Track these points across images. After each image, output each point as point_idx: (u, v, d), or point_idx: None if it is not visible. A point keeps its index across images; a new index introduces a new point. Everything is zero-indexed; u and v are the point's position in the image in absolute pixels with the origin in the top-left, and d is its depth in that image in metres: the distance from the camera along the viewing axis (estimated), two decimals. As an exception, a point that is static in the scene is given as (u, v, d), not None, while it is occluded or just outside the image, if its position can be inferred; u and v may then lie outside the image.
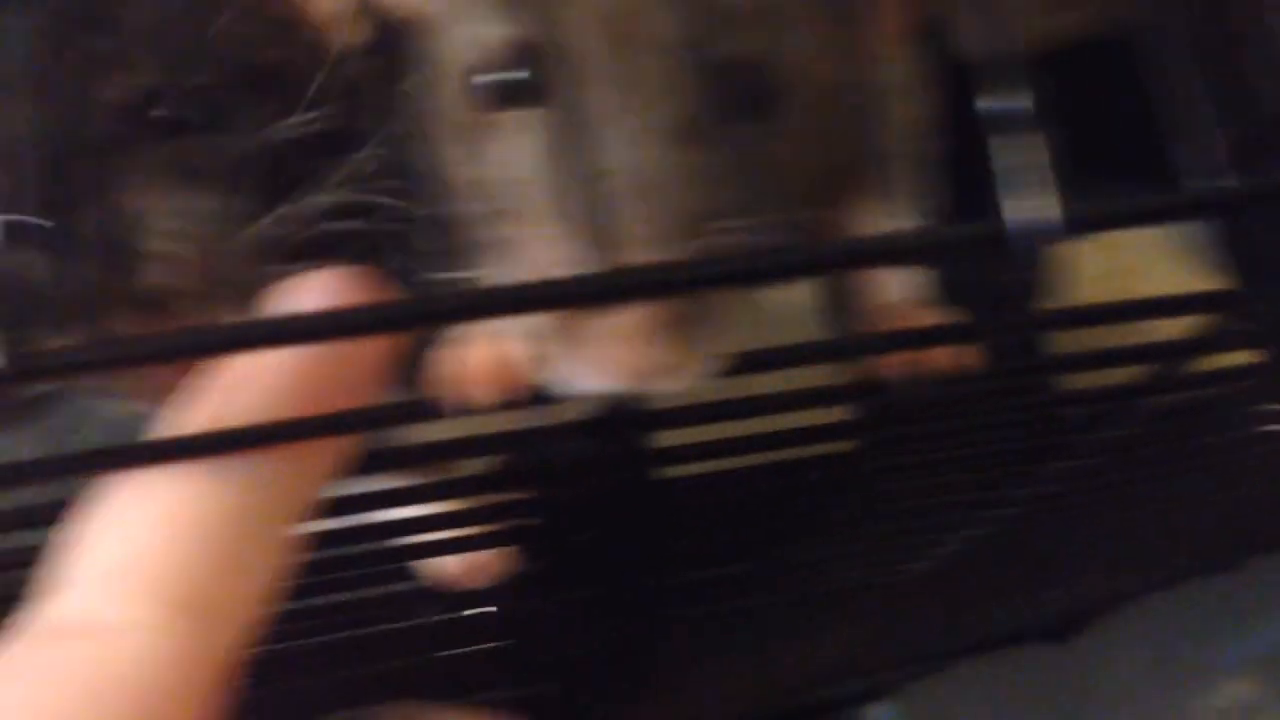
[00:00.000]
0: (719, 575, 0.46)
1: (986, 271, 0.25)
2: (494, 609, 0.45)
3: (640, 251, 0.26)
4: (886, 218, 0.36)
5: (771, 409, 0.31)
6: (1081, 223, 0.24)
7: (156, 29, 0.33)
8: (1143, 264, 0.75)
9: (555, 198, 0.28)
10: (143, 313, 0.32)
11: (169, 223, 0.32)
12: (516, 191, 0.29)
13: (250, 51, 0.34)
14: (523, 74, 0.30)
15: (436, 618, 0.43)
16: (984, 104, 0.24)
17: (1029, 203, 0.24)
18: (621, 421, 0.31)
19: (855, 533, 0.46)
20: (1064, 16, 0.79)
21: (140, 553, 0.23)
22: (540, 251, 0.28)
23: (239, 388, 0.24)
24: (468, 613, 0.44)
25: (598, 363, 0.26)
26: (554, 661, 0.55)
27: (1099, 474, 0.41)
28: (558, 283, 0.24)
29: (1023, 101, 0.24)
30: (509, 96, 0.30)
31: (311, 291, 0.25)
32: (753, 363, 0.27)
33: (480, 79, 0.31)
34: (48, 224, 0.31)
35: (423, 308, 0.23)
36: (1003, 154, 0.24)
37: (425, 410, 0.28)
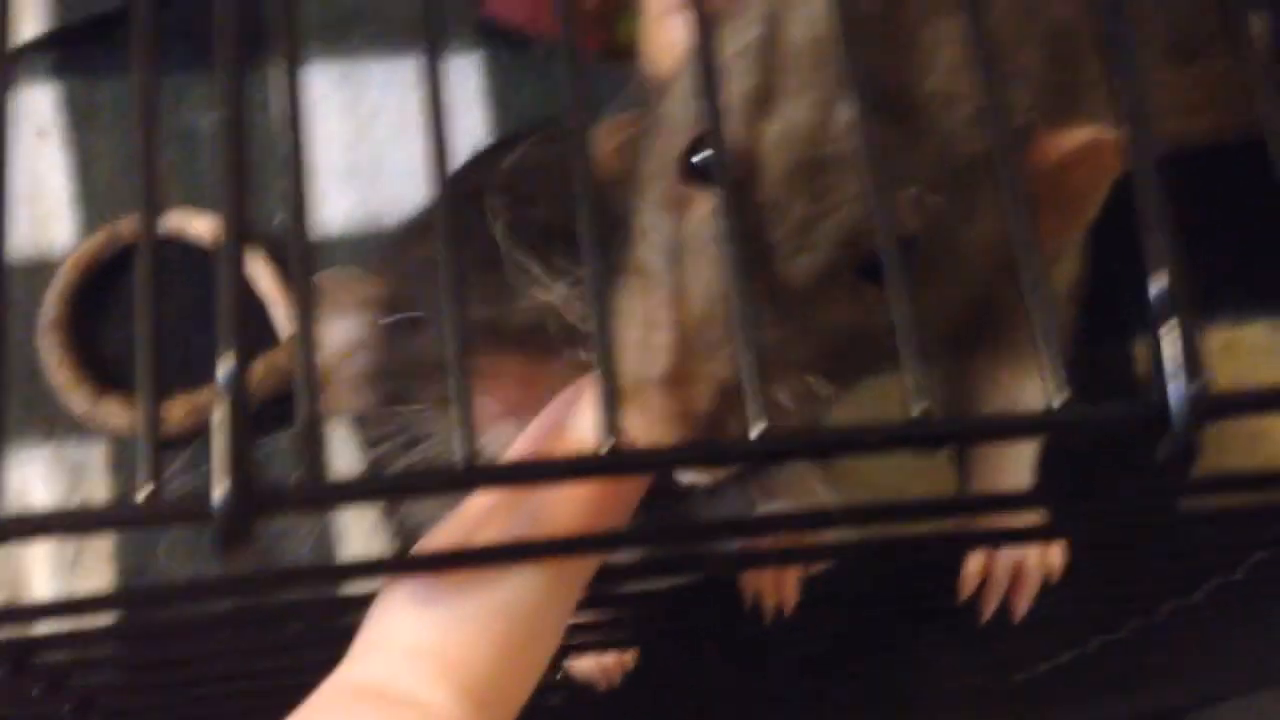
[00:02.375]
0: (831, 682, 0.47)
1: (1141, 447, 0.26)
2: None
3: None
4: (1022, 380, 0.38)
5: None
6: (1242, 404, 0.25)
7: None
8: (1264, 365, 0.74)
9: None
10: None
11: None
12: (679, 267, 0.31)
13: None
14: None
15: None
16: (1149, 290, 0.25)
17: (1184, 384, 0.25)
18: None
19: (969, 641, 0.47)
20: (1197, 120, 0.79)
21: (445, 638, 0.26)
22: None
23: (531, 510, 0.27)
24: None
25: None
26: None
27: (1234, 604, 0.41)
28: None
29: (1178, 282, 0.25)
30: (709, 178, 0.32)
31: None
32: (854, 515, 0.28)
33: (698, 156, 0.33)
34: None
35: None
36: (1162, 338, 0.25)
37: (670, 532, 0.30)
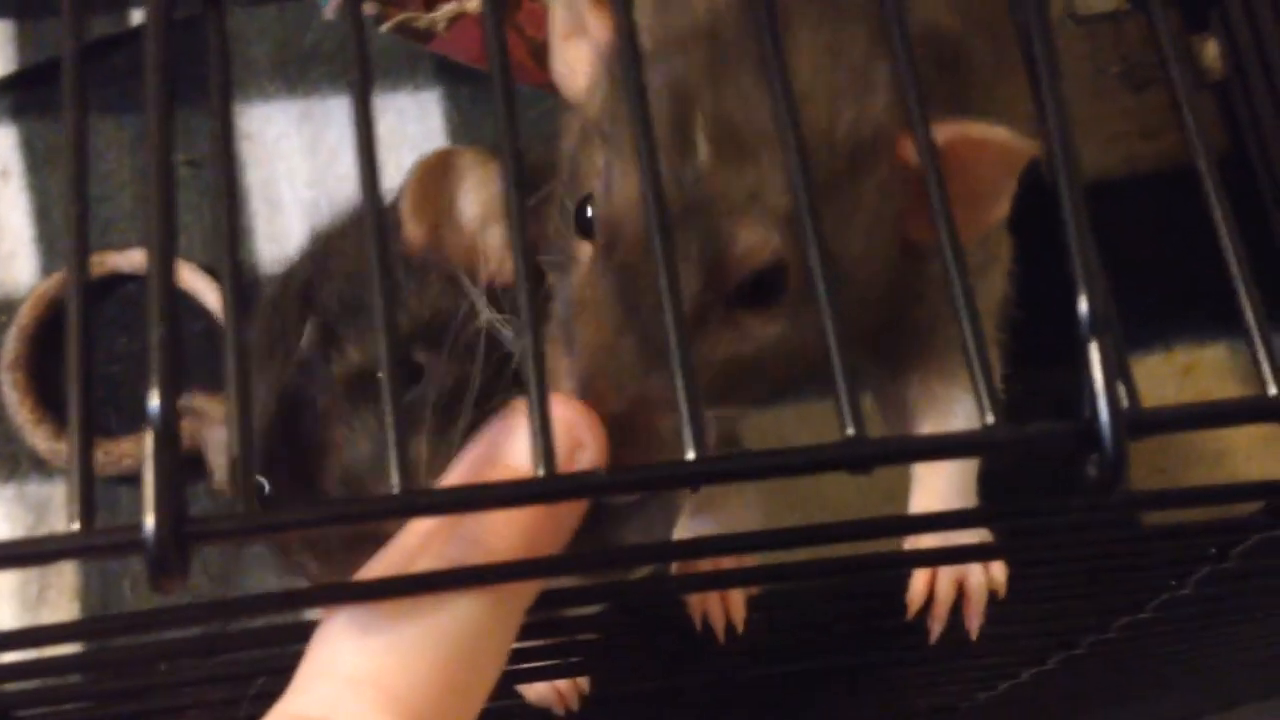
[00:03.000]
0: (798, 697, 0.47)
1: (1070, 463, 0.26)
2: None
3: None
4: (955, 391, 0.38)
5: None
6: (1169, 421, 0.26)
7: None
8: (1221, 388, 0.75)
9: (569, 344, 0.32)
10: None
11: None
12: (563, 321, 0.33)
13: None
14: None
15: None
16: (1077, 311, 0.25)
17: (1110, 403, 0.25)
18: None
19: (932, 660, 0.47)
20: (1146, 146, 0.80)
21: (386, 666, 0.26)
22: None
23: (469, 537, 0.27)
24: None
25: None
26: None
27: (1184, 619, 0.41)
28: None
29: (1102, 304, 0.26)
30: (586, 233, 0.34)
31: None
32: (789, 538, 0.28)
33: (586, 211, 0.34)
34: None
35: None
36: (1089, 358, 0.25)
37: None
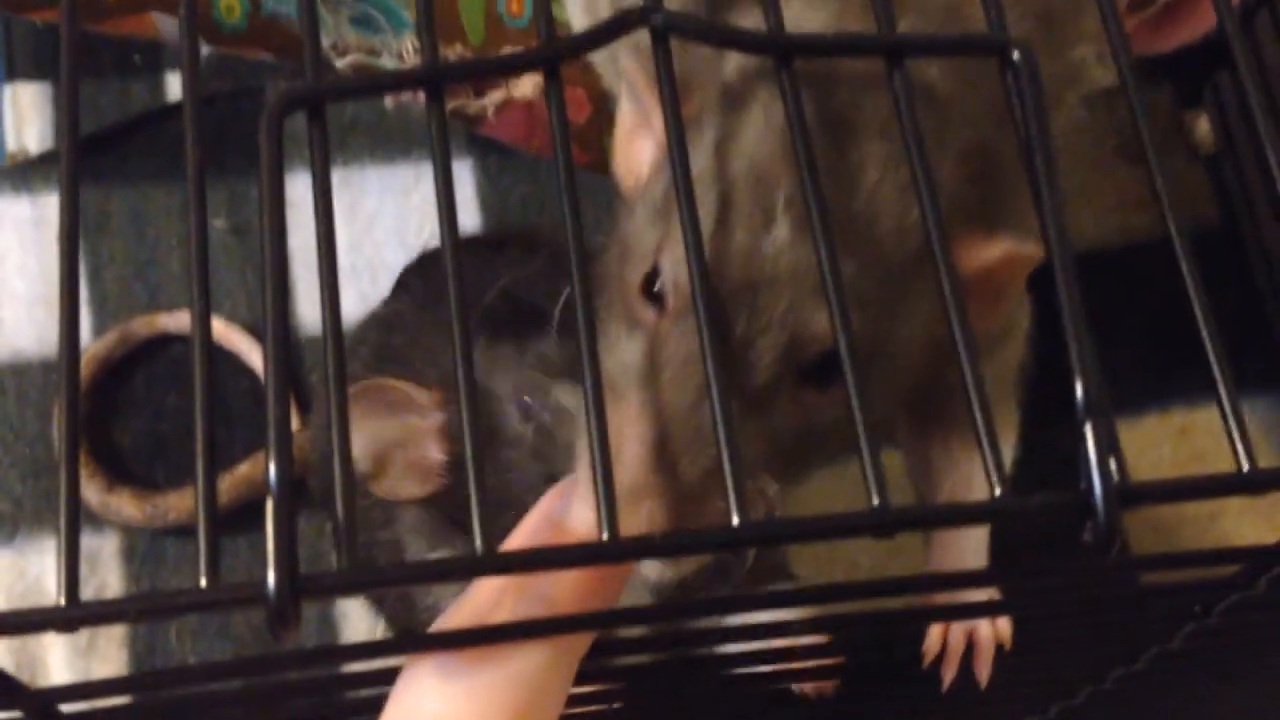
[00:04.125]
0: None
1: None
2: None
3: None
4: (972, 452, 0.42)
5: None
6: (1155, 494, 0.29)
7: None
8: (1215, 448, 0.78)
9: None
10: None
11: None
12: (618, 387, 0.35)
13: None
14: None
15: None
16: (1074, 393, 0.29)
17: (1103, 478, 0.29)
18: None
19: (941, 711, 0.50)
20: (1142, 216, 0.84)
21: (465, 709, 0.29)
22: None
23: (536, 591, 0.31)
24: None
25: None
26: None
27: (1175, 671, 0.45)
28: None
29: (1096, 389, 0.29)
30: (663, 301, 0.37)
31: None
32: (817, 596, 0.32)
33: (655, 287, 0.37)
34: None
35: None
36: (1087, 437, 0.29)
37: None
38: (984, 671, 0.40)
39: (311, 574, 0.27)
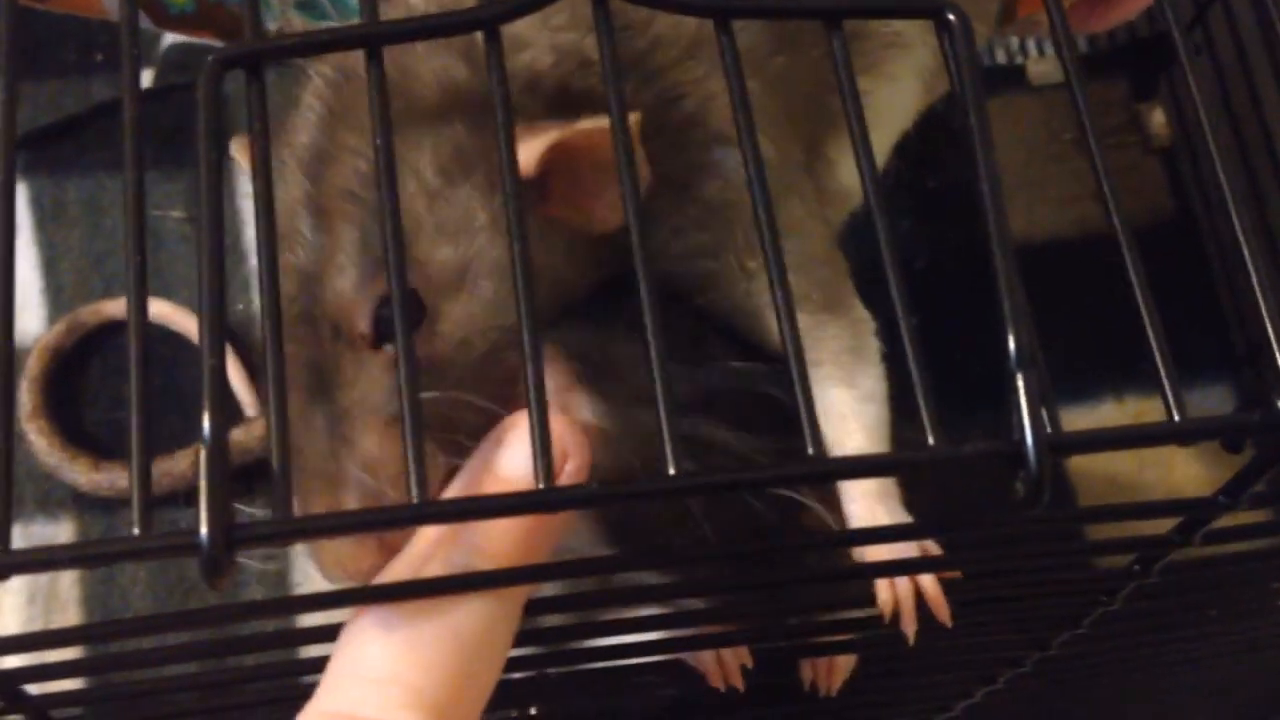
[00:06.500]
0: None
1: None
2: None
3: None
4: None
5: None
6: (1085, 443, 0.29)
7: None
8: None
9: None
10: None
11: None
12: None
13: None
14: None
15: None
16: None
17: (1037, 427, 0.29)
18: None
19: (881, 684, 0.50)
20: (1099, 208, 0.85)
21: (406, 664, 0.30)
22: None
23: (473, 542, 0.31)
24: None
25: None
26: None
27: (1120, 635, 0.45)
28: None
29: (1028, 341, 0.30)
30: None
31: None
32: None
33: None
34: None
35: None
36: (1019, 387, 0.29)
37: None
38: (943, 612, 0.39)
39: (243, 523, 0.27)
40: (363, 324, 0.38)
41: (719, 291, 0.45)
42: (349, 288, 0.38)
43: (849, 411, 0.44)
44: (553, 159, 0.38)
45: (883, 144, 0.57)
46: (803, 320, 0.30)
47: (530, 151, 0.37)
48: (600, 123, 0.37)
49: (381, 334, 0.38)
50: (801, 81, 0.46)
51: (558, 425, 0.32)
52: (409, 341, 0.29)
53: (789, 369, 0.29)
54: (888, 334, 0.45)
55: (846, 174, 0.51)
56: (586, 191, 0.39)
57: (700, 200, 0.43)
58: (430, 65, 0.40)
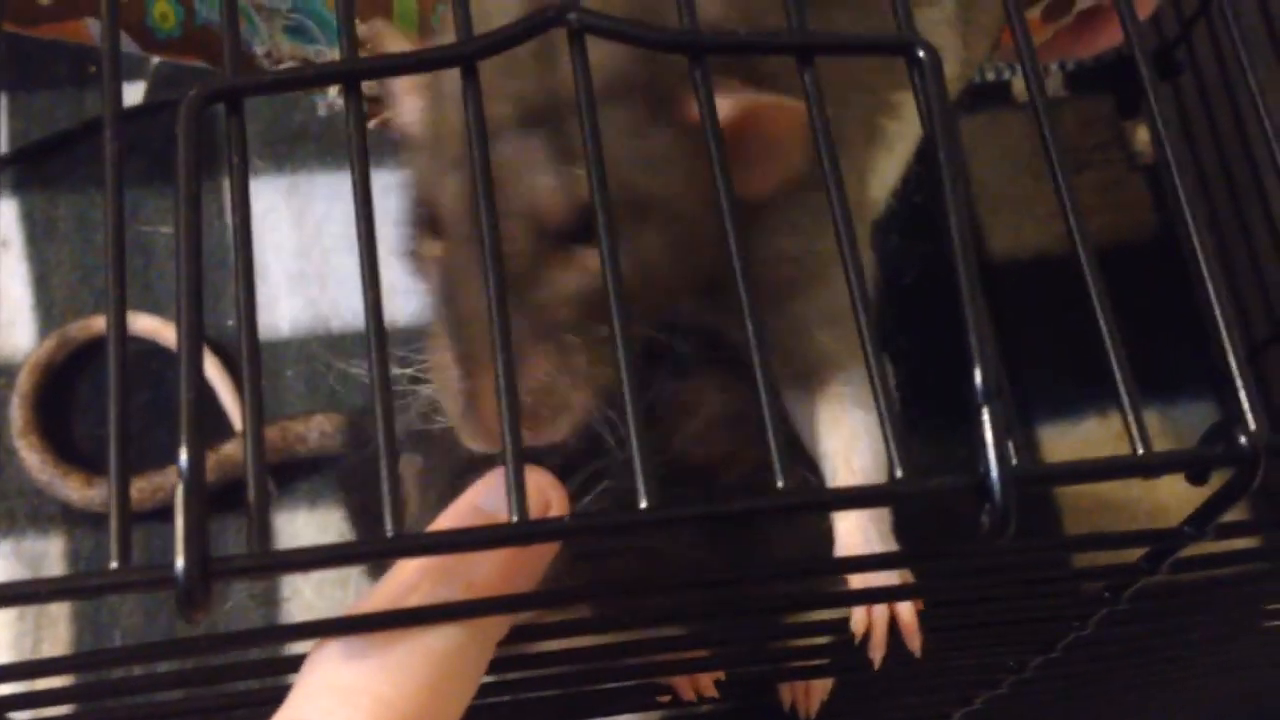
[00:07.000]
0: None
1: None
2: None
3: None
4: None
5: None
6: (1049, 476, 0.30)
7: None
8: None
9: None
10: None
11: None
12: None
13: None
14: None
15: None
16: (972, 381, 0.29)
17: (1003, 460, 0.29)
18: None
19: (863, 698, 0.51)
20: (1091, 222, 0.85)
21: (377, 680, 0.30)
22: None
23: (454, 574, 0.31)
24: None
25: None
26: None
27: (1094, 658, 0.46)
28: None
29: (993, 376, 0.30)
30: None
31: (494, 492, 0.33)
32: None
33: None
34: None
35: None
36: (984, 421, 0.29)
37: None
38: (915, 641, 0.40)
39: (220, 556, 0.28)
40: (566, 217, 0.39)
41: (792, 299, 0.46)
42: (553, 184, 0.39)
43: (863, 431, 0.45)
44: (736, 119, 0.39)
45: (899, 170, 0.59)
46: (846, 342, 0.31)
47: (726, 107, 0.37)
48: (794, 103, 0.39)
49: (579, 232, 0.39)
50: (855, 105, 0.48)
51: (540, 476, 0.33)
52: (613, 243, 0.30)
53: (762, 400, 0.29)
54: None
55: (877, 186, 0.55)
56: (745, 158, 0.40)
57: (805, 205, 0.45)
58: None
